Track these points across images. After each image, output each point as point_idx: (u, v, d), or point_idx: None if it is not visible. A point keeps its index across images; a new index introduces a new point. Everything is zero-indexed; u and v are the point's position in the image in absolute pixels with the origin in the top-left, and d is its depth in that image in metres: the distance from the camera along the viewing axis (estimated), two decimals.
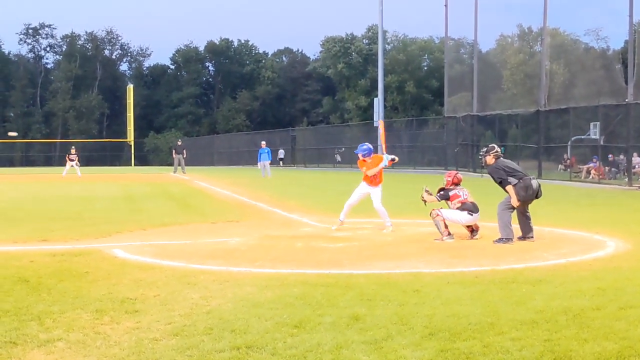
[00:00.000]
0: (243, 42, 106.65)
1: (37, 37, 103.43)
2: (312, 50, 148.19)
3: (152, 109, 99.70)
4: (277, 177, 36.16)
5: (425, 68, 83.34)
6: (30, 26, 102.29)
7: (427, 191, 11.85)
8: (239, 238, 11.43)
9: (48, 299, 6.72)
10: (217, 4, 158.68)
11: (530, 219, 10.97)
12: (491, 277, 7.75)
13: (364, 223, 12.96)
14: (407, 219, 13.99)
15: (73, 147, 44.17)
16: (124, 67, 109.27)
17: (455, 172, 12.12)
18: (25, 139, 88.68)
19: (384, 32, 60.77)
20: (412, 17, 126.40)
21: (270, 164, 37.61)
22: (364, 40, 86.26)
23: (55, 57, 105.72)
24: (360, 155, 12.76)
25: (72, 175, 39.49)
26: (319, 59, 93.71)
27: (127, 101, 78.38)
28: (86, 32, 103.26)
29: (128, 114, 77.07)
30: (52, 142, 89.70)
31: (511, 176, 10.73)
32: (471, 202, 11.38)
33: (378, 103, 53.08)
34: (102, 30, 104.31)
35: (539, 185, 10.94)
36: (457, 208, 11.34)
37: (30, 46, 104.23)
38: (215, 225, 13.69)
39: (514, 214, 10.91)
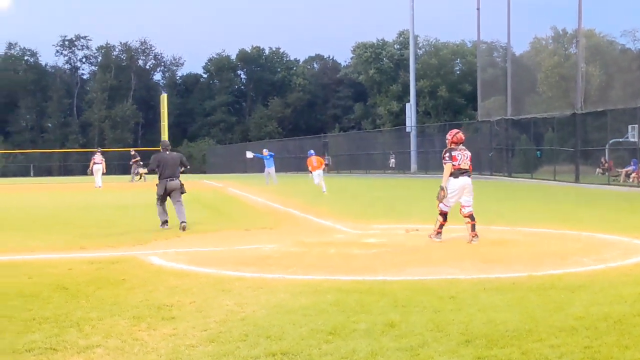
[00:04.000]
0: (274, 49, 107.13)
1: (73, 48, 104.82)
2: (343, 56, 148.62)
3: (185, 117, 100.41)
4: (308, 184, 36.14)
5: (458, 72, 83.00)
6: (67, 38, 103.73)
7: (443, 190, 11.55)
8: (272, 245, 11.43)
9: (86, 305, 6.78)
10: (249, 13, 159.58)
11: None
12: (529, 283, 7.66)
13: (397, 229, 12.91)
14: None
15: (99, 150, 39.74)
16: (157, 76, 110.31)
17: (457, 130, 11.90)
18: (63, 148, 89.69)
19: (416, 36, 60.67)
20: (443, 21, 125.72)
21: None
22: (395, 46, 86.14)
23: (90, 68, 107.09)
24: None
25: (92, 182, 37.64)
26: (350, 65, 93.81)
27: (161, 110, 78.73)
28: (121, 42, 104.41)
29: (162, 123, 77.36)
30: (89, 152, 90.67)
31: None
32: (463, 169, 11.30)
33: (410, 108, 53.00)
34: (136, 41, 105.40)
35: None
36: (451, 174, 11.27)
37: (66, 58, 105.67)
38: (249, 232, 13.72)
39: None
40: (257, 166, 75.13)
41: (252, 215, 18.13)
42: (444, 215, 11.48)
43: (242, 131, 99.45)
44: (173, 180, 14.99)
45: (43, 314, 6.40)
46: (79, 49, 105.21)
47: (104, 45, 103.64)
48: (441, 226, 11.41)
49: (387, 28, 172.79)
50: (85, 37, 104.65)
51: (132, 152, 43.48)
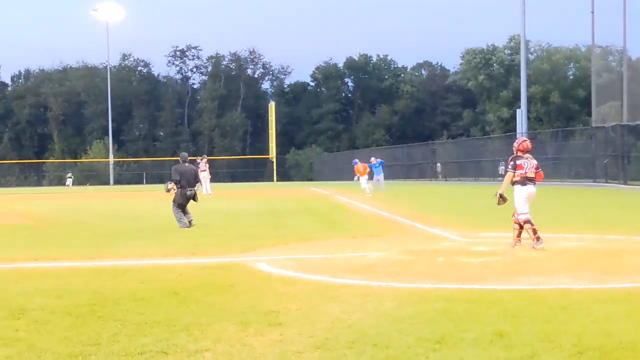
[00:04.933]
0: (382, 57, 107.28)
1: (184, 58, 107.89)
2: (452, 62, 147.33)
3: (293, 125, 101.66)
4: (416, 191, 35.95)
5: (571, 77, 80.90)
6: (178, 48, 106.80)
7: (500, 196, 11.65)
8: (379, 252, 11.38)
9: (196, 310, 6.91)
10: (356, 21, 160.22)
11: None
12: None
13: (507, 237, 12.63)
14: (554, 233, 13.51)
15: (204, 158, 39.37)
16: (265, 85, 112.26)
17: (524, 139, 11.96)
18: (174, 157, 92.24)
19: (527, 41, 59.42)
20: (556, 25, 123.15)
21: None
22: (505, 51, 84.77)
23: (201, 78, 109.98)
24: None
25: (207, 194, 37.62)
26: (459, 72, 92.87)
27: (269, 118, 79.93)
28: (230, 52, 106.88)
29: (270, 131, 78.52)
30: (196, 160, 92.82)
31: None
32: (530, 177, 11.41)
33: (521, 114, 51.91)
34: (245, 50, 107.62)
35: None
36: (516, 182, 11.39)
37: (177, 68, 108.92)
38: (356, 239, 13.71)
39: None
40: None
41: (359, 222, 18.13)
42: (529, 221, 11.39)
43: (349, 139, 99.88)
44: (191, 190, 16.68)
45: (155, 318, 6.56)
46: (190, 59, 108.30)
47: (214, 55, 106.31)
48: (535, 231, 11.27)
49: (498, 33, 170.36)
50: (196, 47, 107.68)
51: (198, 161, 43.72)
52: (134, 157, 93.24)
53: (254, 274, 9.34)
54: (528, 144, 11.73)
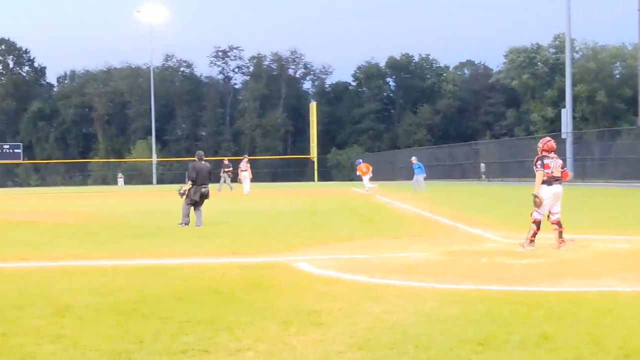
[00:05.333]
0: (424, 56, 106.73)
1: (226, 59, 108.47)
2: (495, 61, 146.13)
3: (334, 125, 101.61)
4: (458, 192, 35.73)
5: (618, 76, 79.72)
6: (220, 49, 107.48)
7: (537, 197, 11.58)
8: (421, 253, 11.33)
9: (238, 309, 6.94)
10: (398, 20, 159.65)
11: None
12: None
13: (551, 238, 12.48)
14: (600, 234, 13.31)
15: (244, 156, 40.97)
16: (307, 85, 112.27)
17: (549, 139, 12.04)
18: (216, 156, 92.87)
19: (572, 40, 58.67)
20: (602, 23, 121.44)
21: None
22: (550, 50, 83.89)
23: (242, 78, 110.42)
24: None
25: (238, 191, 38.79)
26: (503, 71, 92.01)
27: (310, 118, 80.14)
28: (271, 52, 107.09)
29: (311, 131, 78.81)
30: (238, 160, 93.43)
31: None
32: (556, 177, 11.48)
33: (566, 114, 51.25)
34: (287, 50, 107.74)
35: None
36: (542, 182, 11.44)
37: (220, 68, 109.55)
38: (397, 239, 13.65)
39: None
40: (405, 173, 75.19)
41: (401, 223, 18.06)
42: (537, 223, 11.48)
43: (391, 139, 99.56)
44: (205, 187, 17.12)
45: (197, 316, 6.59)
46: (232, 60, 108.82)
47: (256, 55, 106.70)
48: (534, 234, 11.43)
49: (542, 32, 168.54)
50: (238, 47, 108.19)
51: (226, 162, 44.08)
52: (177, 157, 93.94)
53: (295, 273, 9.35)
54: (552, 143, 11.83)
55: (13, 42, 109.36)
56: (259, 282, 8.58)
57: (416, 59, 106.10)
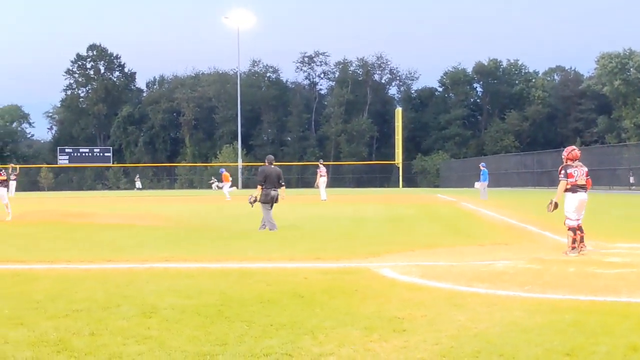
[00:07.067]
0: (512, 61, 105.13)
1: (312, 64, 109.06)
2: (586, 67, 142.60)
3: (419, 131, 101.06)
4: (546, 200, 34.94)
5: None
6: (306, 54, 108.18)
7: (552, 204, 12.07)
8: (507, 261, 11.13)
9: (321, 314, 6.95)
10: (485, 25, 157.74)
11: None
12: None
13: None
14: None
15: (321, 163, 39.40)
16: (392, 90, 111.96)
17: (573, 147, 12.38)
18: (301, 161, 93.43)
19: None
20: None
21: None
22: None
23: (328, 83, 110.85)
24: None
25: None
26: (594, 76, 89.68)
27: (395, 124, 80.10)
28: (357, 58, 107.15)
29: (396, 137, 78.74)
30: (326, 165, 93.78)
31: None
32: (580, 185, 11.82)
33: None
34: (373, 56, 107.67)
35: None
36: (567, 190, 11.87)
37: (305, 73, 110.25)
38: (482, 247, 13.46)
39: None
40: (490, 180, 74.11)
41: (486, 230, 17.78)
42: (573, 229, 11.84)
43: (477, 145, 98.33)
44: (275, 190, 17.38)
45: (280, 320, 6.63)
46: (318, 65, 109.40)
47: (342, 61, 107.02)
48: (574, 240, 11.77)
49: (635, 37, 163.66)
50: (324, 53, 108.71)
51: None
52: (262, 162, 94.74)
53: (378, 279, 9.31)
54: (577, 152, 12.20)
55: (104, 48, 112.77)
56: (341, 287, 8.58)
57: (504, 64, 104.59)
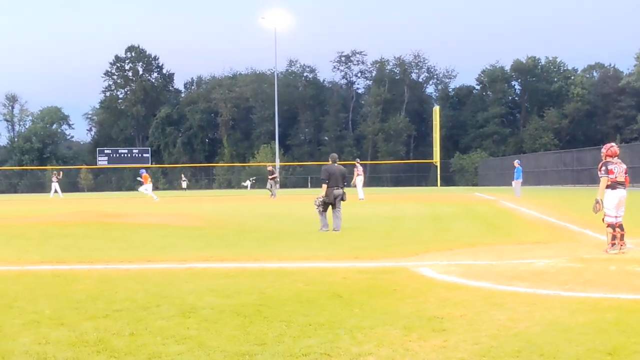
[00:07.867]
0: (551, 59, 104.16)
1: (349, 64, 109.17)
2: (626, 64, 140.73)
3: (457, 129, 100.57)
4: (586, 197, 34.49)
5: None
6: (343, 54, 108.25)
7: (598, 203, 11.88)
8: (547, 260, 11.02)
9: (359, 314, 6.94)
10: (523, 23, 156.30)
11: None
12: None
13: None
14: None
15: (357, 162, 39.43)
16: (430, 89, 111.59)
17: (612, 144, 12.31)
18: (339, 161, 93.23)
19: None
20: None
21: None
22: None
23: (365, 82, 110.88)
24: None
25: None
26: (634, 73, 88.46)
27: (433, 123, 79.57)
28: (394, 56, 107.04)
29: (434, 135, 78.25)
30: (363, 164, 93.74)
31: None
32: (620, 182, 11.73)
33: None
34: (410, 55, 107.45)
35: None
36: (607, 186, 11.79)
37: (342, 73, 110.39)
38: (522, 246, 13.34)
39: None
40: (529, 178, 73.48)
41: (526, 229, 17.62)
42: (612, 226, 11.71)
43: (516, 143, 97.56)
44: (338, 189, 17.12)
45: (318, 320, 6.64)
46: (355, 64, 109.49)
47: (379, 60, 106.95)
48: (614, 237, 11.65)
49: None
50: (361, 52, 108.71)
51: (269, 169, 44.37)
52: (300, 161, 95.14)
53: (417, 278, 9.28)
54: (615, 149, 12.14)
55: (143, 49, 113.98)
56: (380, 286, 8.56)
57: (542, 62, 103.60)
